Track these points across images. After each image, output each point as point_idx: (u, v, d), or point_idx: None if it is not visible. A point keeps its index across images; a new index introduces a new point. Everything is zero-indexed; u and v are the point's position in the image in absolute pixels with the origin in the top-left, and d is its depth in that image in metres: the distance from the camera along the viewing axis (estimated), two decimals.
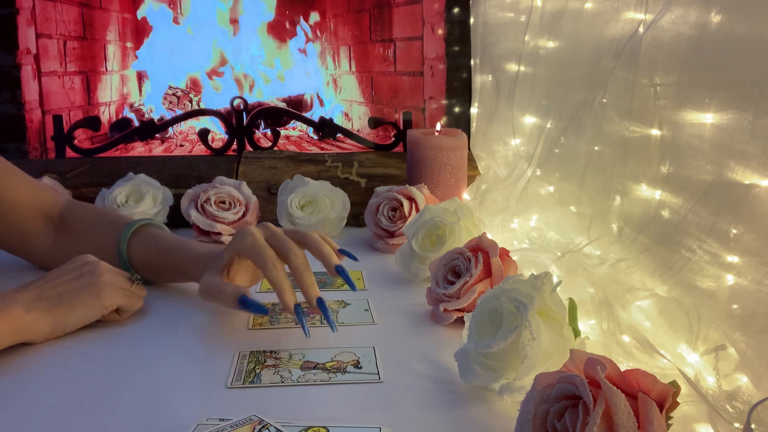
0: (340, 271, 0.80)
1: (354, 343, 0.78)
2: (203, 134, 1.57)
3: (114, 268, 0.85)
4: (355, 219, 1.32)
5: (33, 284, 0.80)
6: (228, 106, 1.62)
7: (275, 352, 0.76)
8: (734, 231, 0.61)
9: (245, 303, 0.77)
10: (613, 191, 0.82)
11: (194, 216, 1.17)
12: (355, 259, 0.86)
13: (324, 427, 0.59)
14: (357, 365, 0.73)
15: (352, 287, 0.82)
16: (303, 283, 0.78)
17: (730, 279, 0.62)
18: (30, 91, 1.64)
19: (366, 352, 0.76)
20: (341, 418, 0.62)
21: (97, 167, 1.39)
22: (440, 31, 1.60)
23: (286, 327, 0.84)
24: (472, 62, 1.49)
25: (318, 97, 2.50)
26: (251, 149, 1.56)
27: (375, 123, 1.76)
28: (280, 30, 2.55)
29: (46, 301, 0.78)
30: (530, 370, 0.61)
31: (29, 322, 0.76)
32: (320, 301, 0.78)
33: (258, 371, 0.71)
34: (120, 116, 2.24)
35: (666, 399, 0.49)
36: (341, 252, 0.84)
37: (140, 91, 2.45)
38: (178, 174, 1.37)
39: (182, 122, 2.08)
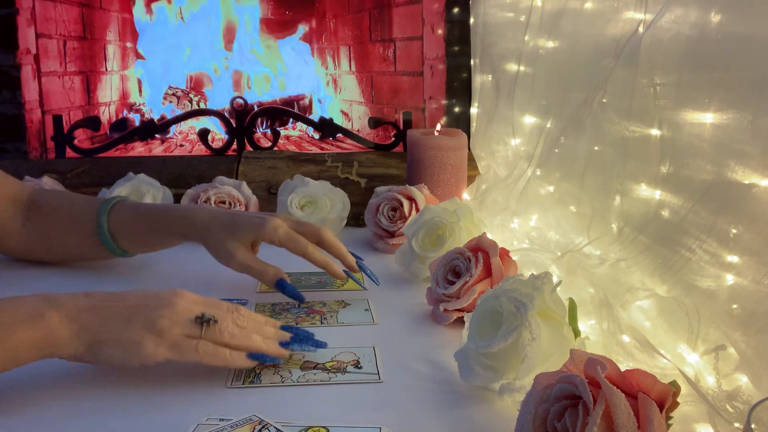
0: (361, 267, 0.94)
1: (354, 343, 0.78)
2: (203, 134, 1.57)
3: (189, 307, 0.69)
4: (355, 219, 1.32)
5: (95, 293, 0.69)
6: (228, 106, 1.62)
7: None
8: (734, 231, 0.61)
9: (284, 287, 0.88)
10: (613, 191, 0.82)
11: None
12: (361, 259, 0.96)
13: (324, 427, 0.59)
14: (357, 365, 0.73)
15: (375, 281, 0.95)
16: (341, 253, 0.92)
17: (730, 279, 0.62)
18: (30, 91, 1.64)
19: (366, 352, 0.76)
20: (341, 418, 0.62)
21: (97, 167, 1.39)
22: (440, 31, 1.60)
23: None
24: (472, 62, 1.49)
25: (319, 100, 2.50)
26: (251, 149, 1.56)
27: (375, 123, 1.76)
28: (282, 30, 2.55)
29: (90, 317, 0.66)
30: (530, 370, 0.61)
31: (62, 336, 0.65)
32: (359, 263, 0.94)
33: (258, 371, 0.71)
34: (120, 116, 2.24)
35: (666, 399, 0.49)
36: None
37: (140, 91, 2.45)
38: (178, 174, 1.37)
39: (182, 122, 2.08)
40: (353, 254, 0.95)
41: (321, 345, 0.73)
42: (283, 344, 0.71)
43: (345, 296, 0.94)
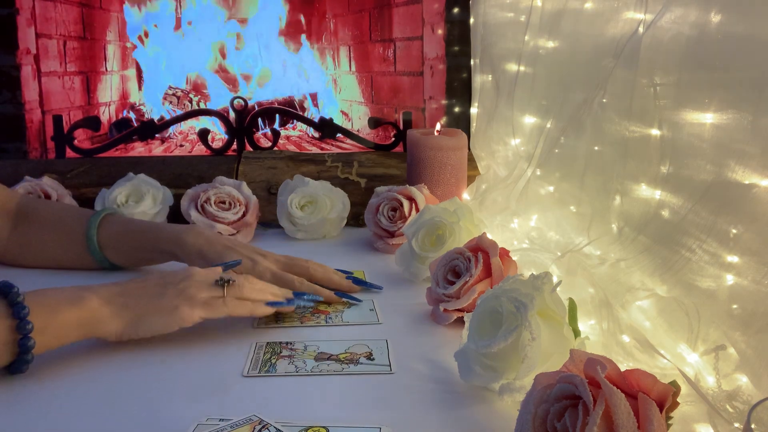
0: (358, 282, 0.97)
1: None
2: (203, 134, 1.57)
3: (206, 274, 0.79)
4: (355, 219, 1.32)
5: (119, 282, 0.78)
6: (228, 106, 1.62)
7: (291, 344, 0.78)
8: (734, 231, 0.61)
9: (271, 303, 0.85)
10: (613, 191, 0.82)
11: (194, 216, 1.17)
12: (350, 273, 0.98)
13: (324, 427, 0.59)
14: (370, 357, 0.75)
15: (378, 287, 0.97)
16: (333, 281, 0.95)
17: (730, 279, 0.62)
18: (30, 91, 1.64)
19: (379, 345, 0.78)
20: (341, 417, 0.62)
21: (97, 167, 1.39)
22: (440, 31, 1.60)
23: (290, 326, 0.84)
24: (472, 62, 1.49)
25: (313, 98, 2.50)
26: (251, 149, 1.56)
27: (375, 123, 1.76)
28: (283, 30, 2.55)
29: (124, 298, 0.75)
30: (530, 370, 0.61)
31: (103, 315, 0.73)
32: (354, 280, 0.96)
33: (274, 361, 0.73)
34: (120, 116, 2.24)
35: (666, 399, 0.49)
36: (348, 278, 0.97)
37: (140, 86, 2.45)
38: (178, 174, 1.37)
39: (182, 122, 2.08)
40: (343, 271, 0.97)
41: (319, 299, 0.86)
42: (290, 301, 0.83)
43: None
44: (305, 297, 0.84)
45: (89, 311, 0.72)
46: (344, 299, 0.92)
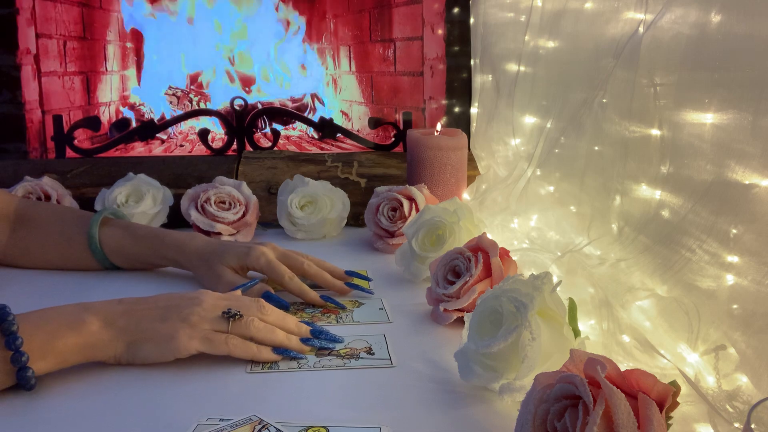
0: (352, 274, 0.96)
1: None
2: (203, 134, 1.57)
3: (215, 303, 0.74)
4: (355, 219, 1.32)
5: (124, 299, 0.74)
6: (228, 106, 1.62)
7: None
8: (734, 231, 0.61)
9: (269, 297, 0.87)
10: (613, 191, 0.82)
11: (194, 216, 1.17)
12: (353, 273, 0.97)
13: (324, 427, 0.59)
14: (369, 351, 0.76)
15: (366, 281, 0.96)
16: (325, 281, 0.93)
17: (730, 279, 0.62)
18: (30, 91, 1.64)
19: (377, 339, 0.79)
20: (341, 417, 0.62)
21: (97, 167, 1.39)
22: (440, 31, 1.60)
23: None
24: (472, 62, 1.49)
25: (318, 98, 2.50)
26: (251, 149, 1.56)
27: (375, 123, 1.76)
28: (282, 30, 2.55)
29: (125, 320, 0.71)
30: (530, 370, 0.61)
31: (102, 340, 0.70)
32: (349, 284, 0.94)
33: None
34: (120, 116, 2.24)
35: (666, 399, 0.49)
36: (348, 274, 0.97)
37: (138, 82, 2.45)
38: (178, 174, 1.37)
39: (182, 122, 2.08)
40: (350, 272, 0.97)
41: (339, 340, 0.78)
42: (304, 340, 0.76)
43: (360, 296, 0.95)
44: (323, 337, 0.77)
45: (88, 336, 0.69)
46: (330, 303, 0.90)
